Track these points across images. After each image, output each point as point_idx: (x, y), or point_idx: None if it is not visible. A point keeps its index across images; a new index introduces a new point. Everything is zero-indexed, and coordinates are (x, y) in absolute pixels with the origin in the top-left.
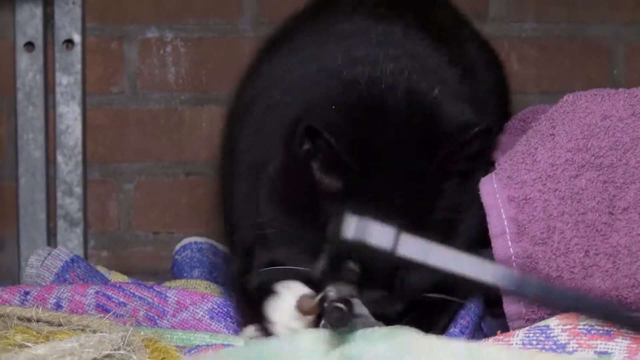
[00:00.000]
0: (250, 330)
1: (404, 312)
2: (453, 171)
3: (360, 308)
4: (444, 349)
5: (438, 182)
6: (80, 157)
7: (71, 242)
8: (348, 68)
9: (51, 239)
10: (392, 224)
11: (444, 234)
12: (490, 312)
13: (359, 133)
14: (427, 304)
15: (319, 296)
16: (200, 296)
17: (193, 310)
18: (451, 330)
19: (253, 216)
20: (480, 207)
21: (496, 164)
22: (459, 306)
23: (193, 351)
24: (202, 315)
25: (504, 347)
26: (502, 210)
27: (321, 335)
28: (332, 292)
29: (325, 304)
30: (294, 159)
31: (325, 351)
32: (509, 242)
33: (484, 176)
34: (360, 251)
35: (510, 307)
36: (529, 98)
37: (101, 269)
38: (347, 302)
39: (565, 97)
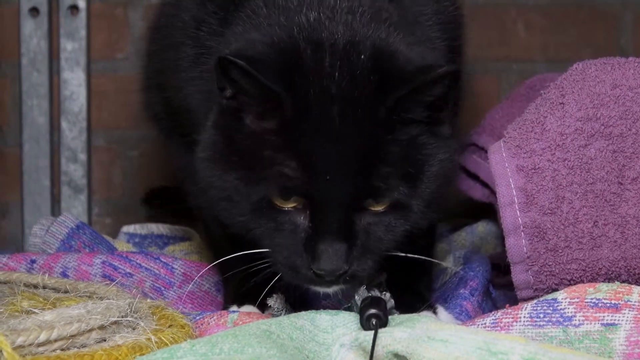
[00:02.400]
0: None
1: (378, 273)
2: (409, 119)
3: (389, 302)
4: (461, 338)
5: (390, 127)
6: (84, 124)
7: (75, 208)
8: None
9: (55, 205)
10: (336, 166)
11: (400, 185)
12: (494, 282)
13: (287, 63)
14: (406, 265)
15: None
16: (208, 268)
17: (199, 282)
18: (461, 291)
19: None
20: (449, 165)
21: (505, 132)
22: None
23: (198, 317)
24: (208, 287)
25: (519, 339)
26: (510, 180)
27: (340, 317)
28: (364, 293)
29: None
30: (223, 113)
31: (342, 333)
32: (518, 212)
33: (447, 128)
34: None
35: (518, 277)
36: (535, 66)
37: (105, 238)
38: (379, 301)
39: (575, 66)
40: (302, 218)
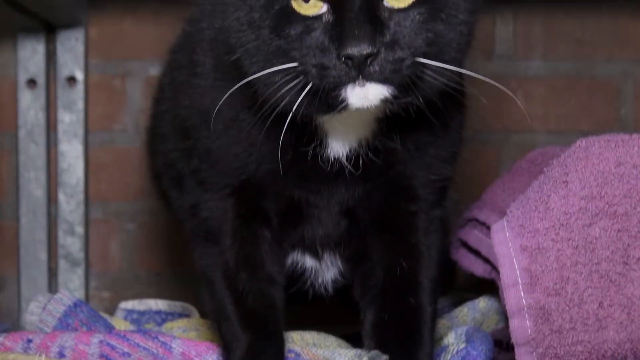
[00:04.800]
0: None
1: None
2: None
3: None
4: None
5: None
6: (82, 196)
7: (72, 282)
8: None
9: (52, 279)
10: None
11: None
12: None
13: None
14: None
15: None
16: (206, 347)
17: None
18: None
19: None
20: None
21: (508, 211)
22: None
23: None
24: None
25: None
26: (514, 260)
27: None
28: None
29: None
30: None
31: None
32: (522, 293)
33: None
34: None
35: (523, 359)
36: (535, 137)
37: (103, 316)
38: None
39: (578, 142)
40: (327, 15)
